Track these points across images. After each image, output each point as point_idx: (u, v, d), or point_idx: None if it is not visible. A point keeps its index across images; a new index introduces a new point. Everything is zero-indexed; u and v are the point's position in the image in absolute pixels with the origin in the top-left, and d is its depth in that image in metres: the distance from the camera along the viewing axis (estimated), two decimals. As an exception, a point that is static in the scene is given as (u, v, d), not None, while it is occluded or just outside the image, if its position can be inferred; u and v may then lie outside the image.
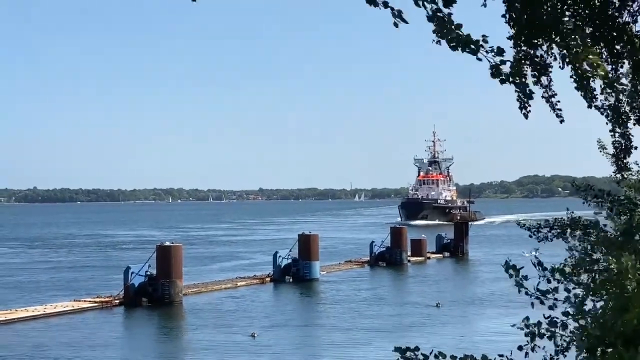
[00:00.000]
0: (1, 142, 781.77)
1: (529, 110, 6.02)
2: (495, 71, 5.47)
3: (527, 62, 6.15)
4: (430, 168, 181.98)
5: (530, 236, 9.20)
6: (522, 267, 6.56)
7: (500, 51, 5.45)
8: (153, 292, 48.09)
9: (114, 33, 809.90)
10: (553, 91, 6.38)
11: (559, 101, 6.41)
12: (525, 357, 6.56)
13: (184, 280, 49.86)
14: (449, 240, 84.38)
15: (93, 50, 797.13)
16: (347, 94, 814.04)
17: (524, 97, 5.71)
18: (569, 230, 8.58)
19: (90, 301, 47.56)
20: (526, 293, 6.38)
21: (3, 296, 53.18)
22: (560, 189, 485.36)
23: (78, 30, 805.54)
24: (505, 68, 5.50)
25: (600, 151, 10.03)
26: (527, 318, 6.47)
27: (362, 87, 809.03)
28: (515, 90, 5.66)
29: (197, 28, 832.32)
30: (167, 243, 50.76)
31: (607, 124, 7.07)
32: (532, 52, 6.15)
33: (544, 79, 6.26)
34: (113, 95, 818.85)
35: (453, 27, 5.37)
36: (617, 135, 7.43)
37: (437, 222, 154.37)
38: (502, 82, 5.55)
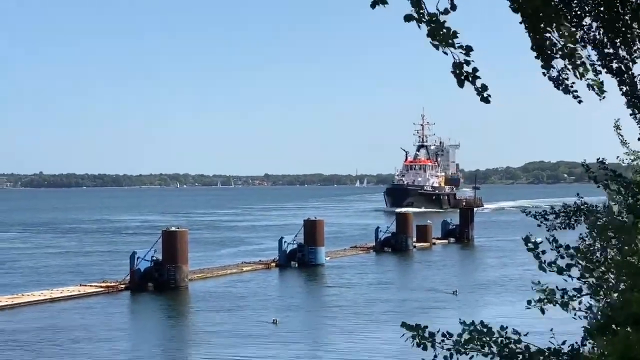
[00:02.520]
0: (7, 127, 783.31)
1: (488, 96, 5.86)
2: (458, 70, 5.46)
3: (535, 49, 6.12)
4: (418, 153, 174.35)
5: (539, 225, 9.16)
6: (541, 242, 6.55)
7: (468, 49, 5.42)
8: (159, 277, 48.16)
9: (121, 20, 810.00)
10: (567, 74, 6.33)
11: (574, 83, 6.36)
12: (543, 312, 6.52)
13: (189, 265, 49.96)
14: (454, 226, 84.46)
15: (99, 39, 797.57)
16: (355, 80, 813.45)
17: (482, 101, 5.68)
18: (574, 218, 8.55)
19: (96, 286, 47.67)
20: (541, 267, 6.34)
21: (10, 281, 53.39)
22: (565, 175, 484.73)
23: (86, 21, 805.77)
24: (468, 68, 5.48)
25: (615, 130, 10.00)
26: (554, 263, 6.40)
27: (370, 73, 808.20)
28: (476, 88, 5.63)
29: (204, 15, 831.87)
30: (173, 228, 50.82)
31: (627, 107, 7.02)
32: (539, 37, 6.11)
33: (555, 63, 6.21)
34: (119, 81, 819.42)
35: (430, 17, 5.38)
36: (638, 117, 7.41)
37: (423, 209, 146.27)
38: (460, 83, 5.51)
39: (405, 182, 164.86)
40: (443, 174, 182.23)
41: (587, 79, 6.08)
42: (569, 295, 6.33)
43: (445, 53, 5.38)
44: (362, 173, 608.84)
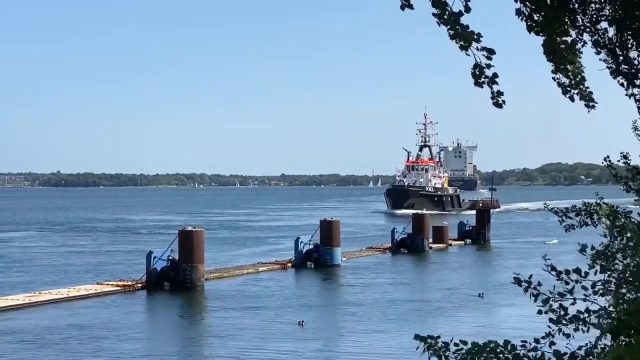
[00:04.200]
0: (26, 126, 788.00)
1: (502, 102, 5.88)
2: (478, 72, 5.49)
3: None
4: (420, 153, 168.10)
5: (560, 221, 9.17)
6: (531, 275, 6.61)
7: (491, 52, 5.45)
8: (175, 276, 48.27)
9: (143, 16, 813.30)
10: (580, 78, 6.30)
11: (587, 87, 6.34)
12: (551, 346, 6.57)
13: (205, 264, 50.05)
14: (470, 228, 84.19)
15: (116, 33, 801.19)
16: (370, 79, 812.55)
17: (495, 105, 5.72)
18: (596, 216, 8.54)
19: (113, 285, 47.85)
20: (545, 301, 6.43)
21: (28, 279, 53.66)
22: (583, 177, 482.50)
23: (106, 16, 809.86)
24: (489, 71, 5.51)
25: (634, 131, 9.97)
26: (548, 300, 6.49)
27: (386, 74, 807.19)
28: (492, 92, 5.66)
29: (216, 14, 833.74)
30: (190, 228, 50.95)
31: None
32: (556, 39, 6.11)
33: (570, 67, 6.20)
34: (136, 81, 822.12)
35: (453, 17, 5.42)
36: None
37: (424, 211, 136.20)
38: (478, 84, 5.53)
39: (406, 183, 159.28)
40: (446, 174, 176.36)
41: (580, 87, 6.09)
42: (581, 317, 6.39)
43: (468, 54, 5.42)
44: (378, 174, 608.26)
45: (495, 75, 5.49)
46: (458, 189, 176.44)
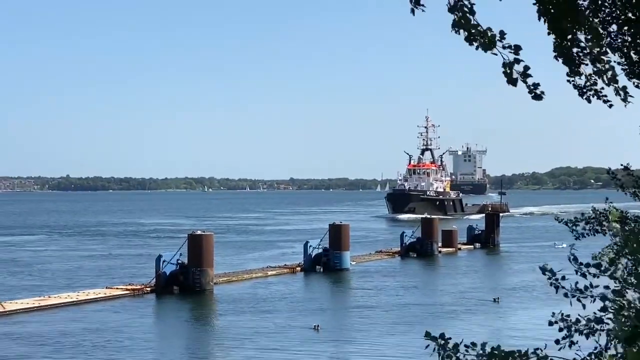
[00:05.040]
0: (35, 130, 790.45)
1: (541, 92, 5.88)
2: (508, 69, 5.47)
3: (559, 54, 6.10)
4: (422, 157, 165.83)
5: (571, 231, 9.12)
6: (560, 270, 6.55)
7: (517, 48, 5.43)
8: (184, 280, 48.32)
9: (143, 16, 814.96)
10: (595, 79, 6.26)
11: (602, 88, 6.30)
12: (560, 348, 6.54)
13: (214, 268, 50.08)
14: (480, 232, 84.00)
15: (116, 33, 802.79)
16: (371, 80, 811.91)
17: (534, 99, 5.71)
18: (606, 223, 8.49)
19: (122, 289, 47.91)
20: (565, 295, 6.38)
21: (37, 283, 53.78)
22: (592, 181, 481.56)
23: (106, 16, 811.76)
24: (519, 67, 5.49)
25: None
26: (562, 314, 6.48)
27: (388, 74, 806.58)
28: (527, 86, 5.64)
29: (216, 14, 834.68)
30: (199, 231, 51.02)
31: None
32: (565, 42, 6.07)
33: (584, 68, 6.15)
34: (136, 81, 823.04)
35: (472, 19, 5.40)
36: None
37: (425, 215, 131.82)
38: (512, 82, 5.51)
39: (407, 187, 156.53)
40: (448, 178, 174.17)
41: (614, 85, 6.04)
42: (593, 318, 6.36)
43: (495, 54, 5.40)
44: (387, 178, 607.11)
45: (527, 68, 5.46)
46: (460, 193, 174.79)
